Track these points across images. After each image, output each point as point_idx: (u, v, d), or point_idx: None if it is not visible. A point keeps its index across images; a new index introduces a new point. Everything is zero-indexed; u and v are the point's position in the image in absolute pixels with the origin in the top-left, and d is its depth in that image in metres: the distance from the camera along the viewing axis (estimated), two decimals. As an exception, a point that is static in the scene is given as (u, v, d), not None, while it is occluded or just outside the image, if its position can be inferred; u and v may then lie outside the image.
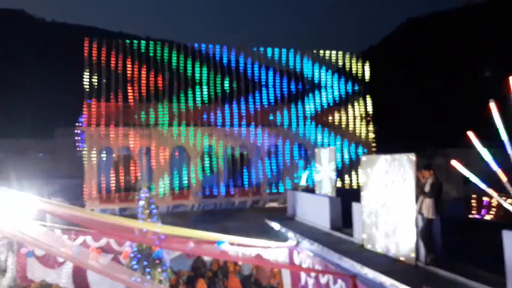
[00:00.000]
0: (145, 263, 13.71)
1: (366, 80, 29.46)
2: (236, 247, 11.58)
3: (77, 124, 26.14)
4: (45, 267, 14.65)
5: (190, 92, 26.33)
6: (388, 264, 9.09)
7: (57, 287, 15.01)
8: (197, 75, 26.74)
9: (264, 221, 16.43)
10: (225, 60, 27.25)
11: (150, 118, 25.57)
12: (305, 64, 28.55)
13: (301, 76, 28.47)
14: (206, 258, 16.35)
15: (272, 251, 12.55)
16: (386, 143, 26.47)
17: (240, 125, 26.99)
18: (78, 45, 25.72)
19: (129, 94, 25.25)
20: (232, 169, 26.95)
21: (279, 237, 14.24)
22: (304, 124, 28.07)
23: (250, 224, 18.30)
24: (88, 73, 24.84)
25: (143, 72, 25.71)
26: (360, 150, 28.32)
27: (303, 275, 12.20)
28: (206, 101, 26.62)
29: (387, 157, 9.80)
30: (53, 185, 25.22)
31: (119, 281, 11.31)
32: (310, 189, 16.87)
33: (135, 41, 26.14)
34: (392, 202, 9.57)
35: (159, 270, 13.83)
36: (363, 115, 29.26)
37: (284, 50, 27.98)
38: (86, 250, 12.76)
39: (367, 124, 29.29)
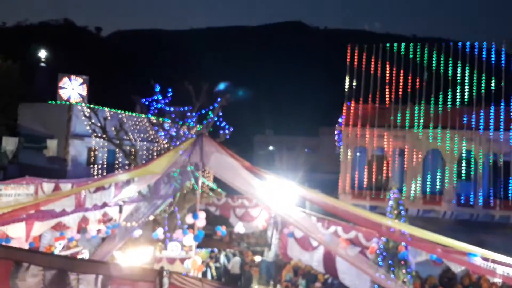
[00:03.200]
0: (390, 262, 14.05)
1: None
2: (490, 263, 10.69)
3: (337, 124, 28.37)
4: (301, 249, 16.66)
5: (450, 93, 24.92)
6: None
7: (310, 268, 16.92)
8: (459, 75, 25.08)
9: (530, 242, 14.39)
10: (493, 59, 24.61)
11: (405, 120, 25.46)
12: None
13: None
14: (456, 271, 15.45)
15: (537, 276, 10.98)
16: None
17: (507, 130, 23.91)
18: (344, 49, 27.68)
19: (386, 96, 25.78)
20: (494, 178, 24.13)
21: (549, 261, 12.24)
22: None
23: (512, 243, 16.26)
24: (349, 77, 26.59)
25: (401, 73, 25.79)
26: None
27: None
28: (467, 103, 24.70)
29: None
30: (313, 179, 28.10)
31: (365, 273, 12.08)
32: None
33: (395, 44, 26.40)
34: None
35: (404, 271, 13.95)
36: None
37: None
38: (337, 239, 14.06)
39: None
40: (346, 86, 26.80)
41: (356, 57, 26.60)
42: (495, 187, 24.23)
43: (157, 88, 19.86)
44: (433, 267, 15.12)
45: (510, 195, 23.84)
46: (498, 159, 24.30)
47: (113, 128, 21.37)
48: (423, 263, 14.62)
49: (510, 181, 23.90)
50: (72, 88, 27.73)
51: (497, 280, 14.29)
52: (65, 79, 27.82)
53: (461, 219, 23.89)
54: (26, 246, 12.23)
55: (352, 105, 26.57)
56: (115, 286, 6.47)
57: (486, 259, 10.45)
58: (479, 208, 24.02)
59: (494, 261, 10.33)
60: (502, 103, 24.52)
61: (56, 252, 13.42)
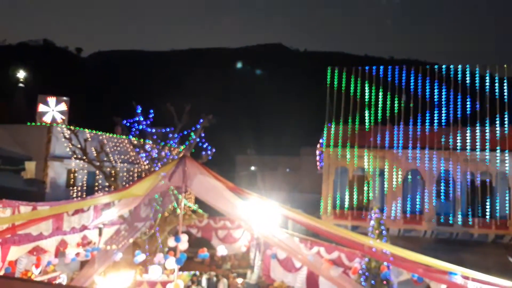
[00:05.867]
0: (373, 282, 14.10)
1: None
2: (470, 281, 10.83)
3: (318, 144, 28.66)
4: (284, 270, 16.56)
5: (428, 114, 25.58)
6: None
7: (293, 289, 16.81)
8: (437, 97, 25.83)
9: (508, 259, 14.68)
10: (468, 80, 25.49)
11: (385, 141, 25.88)
12: None
13: None
14: (438, 289, 15.58)
15: (514, 293, 11.15)
16: None
17: (483, 149, 24.56)
18: (324, 71, 28.12)
19: (366, 117, 26.28)
20: (472, 197, 24.64)
21: (525, 279, 12.48)
22: None
23: (490, 260, 16.55)
24: (329, 98, 27.03)
25: (381, 95, 26.38)
26: None
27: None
28: (445, 124, 25.40)
29: None
30: (295, 199, 28.15)
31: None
32: None
33: (374, 66, 27.05)
34: None
35: (386, 291, 14.00)
36: None
37: None
38: (320, 259, 14.06)
39: None
40: (327, 107, 27.23)
41: (336, 78, 27.11)
42: (473, 206, 24.72)
43: (139, 109, 19.83)
44: (414, 286, 15.22)
45: (487, 213, 24.33)
46: (475, 179, 24.84)
47: (93, 150, 21.14)
48: (405, 283, 14.69)
49: (487, 200, 24.45)
50: (52, 110, 27.44)
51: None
52: (45, 100, 27.53)
53: (441, 238, 24.20)
54: (2, 272, 11.88)
55: (333, 126, 26.91)
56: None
57: (466, 277, 10.60)
58: (458, 227, 24.39)
59: (474, 279, 10.47)
60: (478, 124, 25.23)
61: (34, 277, 13.05)
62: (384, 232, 14.67)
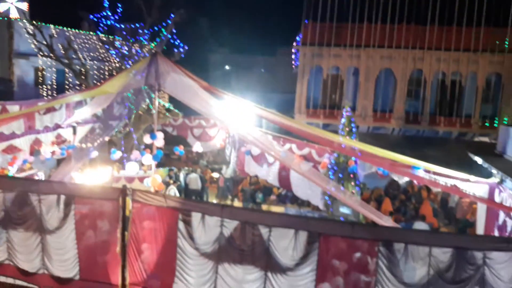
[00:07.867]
0: (341, 175, 14.98)
1: None
2: (431, 175, 11.57)
3: (295, 43, 28.08)
4: (258, 165, 17.30)
5: (405, 12, 25.04)
6: None
7: (265, 182, 17.76)
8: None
9: (467, 155, 15.63)
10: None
11: (361, 39, 25.52)
12: None
13: None
14: (401, 182, 16.72)
15: (470, 185, 12.07)
16: None
17: (457, 49, 24.67)
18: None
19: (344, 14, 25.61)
20: (440, 96, 25.33)
21: (482, 173, 13.49)
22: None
23: (452, 156, 17.56)
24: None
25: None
26: None
27: (501, 215, 11.53)
28: (421, 22, 24.99)
29: None
30: (270, 98, 28.31)
31: (317, 184, 12.81)
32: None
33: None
34: None
35: (352, 183, 14.96)
36: None
37: None
38: (292, 155, 14.65)
39: None
40: (304, 3, 26.22)
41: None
42: (441, 105, 25.51)
43: (106, 3, 18.78)
44: (379, 179, 16.25)
45: (454, 112, 25.24)
46: (446, 78, 25.31)
47: (60, 46, 20.28)
48: (371, 176, 15.65)
49: (455, 99, 25.21)
50: (11, 3, 25.52)
51: (436, 190, 15.67)
52: (2, -9, 25.43)
53: (408, 135, 25.23)
54: (-23, 170, 11.99)
55: (310, 24, 26.11)
56: (79, 206, 6.63)
57: (428, 171, 11.32)
58: (425, 125, 25.36)
59: (435, 173, 11.21)
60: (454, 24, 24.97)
61: (11, 174, 13.25)
62: (354, 129, 15.24)
